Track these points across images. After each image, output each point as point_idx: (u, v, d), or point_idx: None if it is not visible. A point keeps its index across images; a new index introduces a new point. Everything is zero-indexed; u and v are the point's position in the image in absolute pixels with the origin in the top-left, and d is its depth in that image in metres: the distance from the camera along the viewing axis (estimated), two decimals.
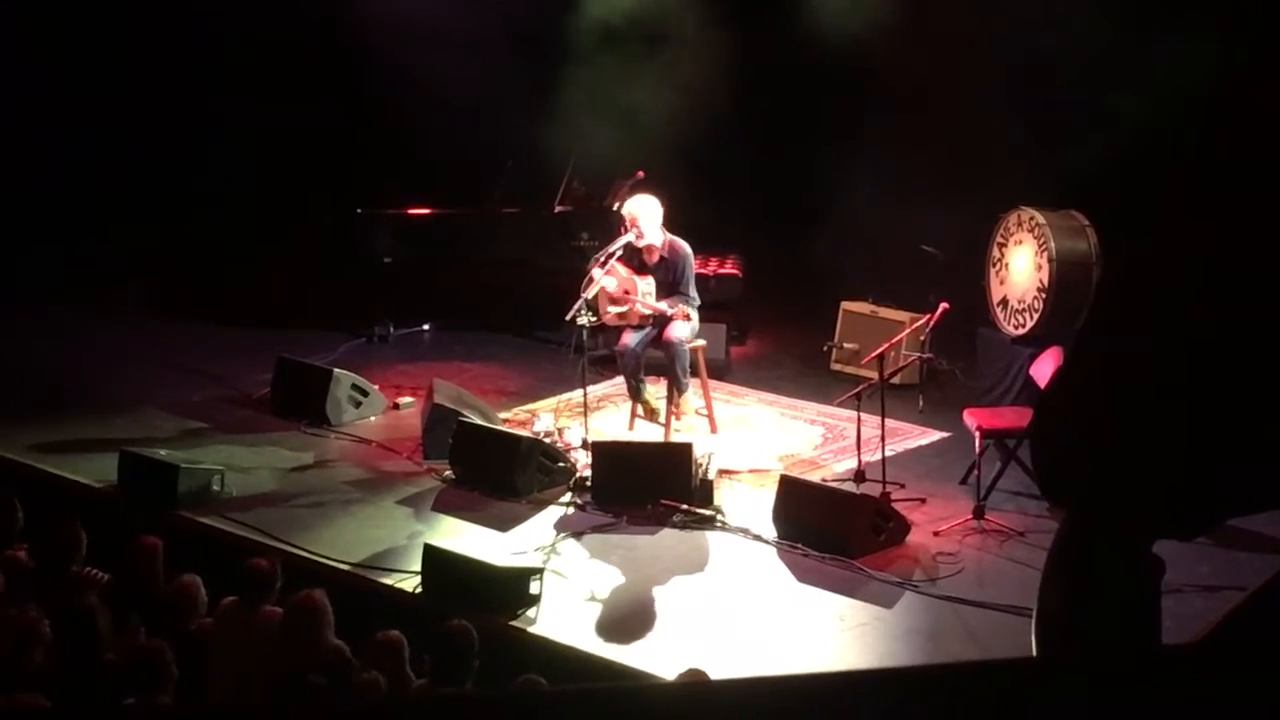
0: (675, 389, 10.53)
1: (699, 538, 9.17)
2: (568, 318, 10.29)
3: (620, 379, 10.95)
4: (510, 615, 8.11)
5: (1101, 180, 9.94)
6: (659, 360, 10.65)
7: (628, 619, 8.24)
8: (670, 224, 10.58)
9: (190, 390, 11.56)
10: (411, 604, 8.34)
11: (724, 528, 9.22)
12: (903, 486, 9.58)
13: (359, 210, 13.05)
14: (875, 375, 9.76)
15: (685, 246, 10.56)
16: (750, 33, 12.48)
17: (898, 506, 9.19)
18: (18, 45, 14.63)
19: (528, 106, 12.51)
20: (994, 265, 11.06)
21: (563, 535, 9.17)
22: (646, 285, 10.49)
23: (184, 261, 14.49)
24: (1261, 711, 2.66)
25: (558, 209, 12.87)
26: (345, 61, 13.84)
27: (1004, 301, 10.99)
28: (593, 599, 8.41)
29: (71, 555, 7.67)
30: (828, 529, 8.87)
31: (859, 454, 9.72)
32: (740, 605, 8.35)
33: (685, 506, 9.31)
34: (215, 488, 9.63)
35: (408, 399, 11.29)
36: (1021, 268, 10.77)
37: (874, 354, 9.93)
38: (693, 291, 10.61)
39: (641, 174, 12.30)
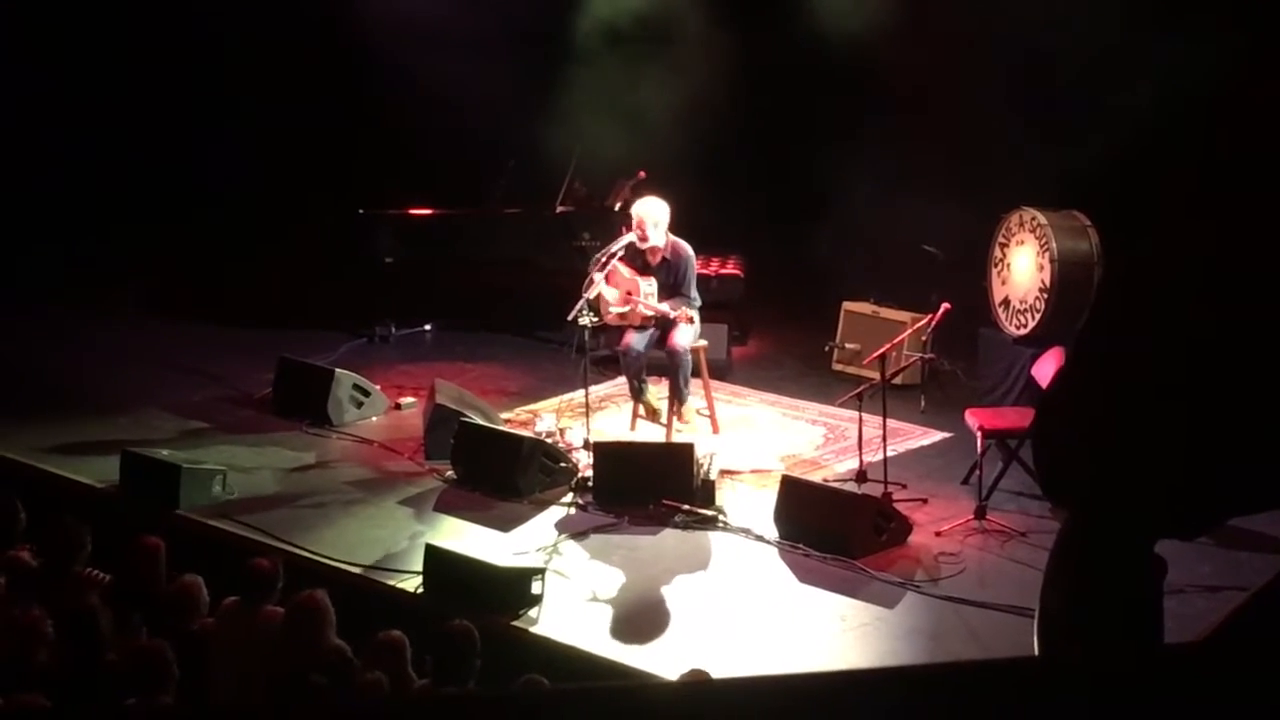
0: (676, 398, 10.54)
1: (701, 538, 9.17)
2: (569, 318, 10.29)
3: (621, 379, 10.96)
4: (512, 615, 8.11)
5: (1103, 180, 9.94)
6: (661, 361, 10.66)
7: (629, 619, 8.25)
8: (672, 224, 10.58)
9: (191, 390, 11.57)
10: (413, 604, 8.34)
11: (725, 528, 9.22)
12: (904, 487, 9.58)
13: (360, 210, 13.05)
14: (877, 375, 9.76)
15: (687, 248, 10.57)
16: (751, 32, 12.49)
17: (899, 507, 9.19)
18: (18, 45, 14.63)
19: (529, 106, 12.51)
20: (995, 265, 11.06)
21: (564, 535, 9.17)
22: (649, 286, 10.50)
23: (184, 261, 14.49)
24: (1263, 711, 2.66)
25: (559, 209, 12.86)
26: (345, 61, 13.84)
27: (1005, 302, 10.99)
28: (594, 599, 8.42)
29: (76, 556, 7.68)
30: (829, 529, 8.87)
31: (860, 454, 9.72)
32: (742, 605, 8.35)
33: (687, 507, 9.32)
34: (217, 488, 9.62)
35: (409, 399, 11.29)
36: (1023, 268, 10.77)
37: (876, 354, 9.93)
38: (694, 293, 10.62)
39: (643, 174, 12.31)
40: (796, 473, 9.78)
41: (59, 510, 8.21)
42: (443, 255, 12.91)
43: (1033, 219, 10.70)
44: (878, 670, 6.46)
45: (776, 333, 13.03)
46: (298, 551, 8.84)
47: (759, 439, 10.72)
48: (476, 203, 13.06)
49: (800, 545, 8.89)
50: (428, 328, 13.15)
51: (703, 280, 11.42)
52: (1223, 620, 2.99)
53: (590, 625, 8.13)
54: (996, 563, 8.75)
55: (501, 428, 10.30)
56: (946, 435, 10.59)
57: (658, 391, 10.79)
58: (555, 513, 9.50)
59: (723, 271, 12.85)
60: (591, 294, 10.30)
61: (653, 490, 9.39)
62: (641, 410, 10.78)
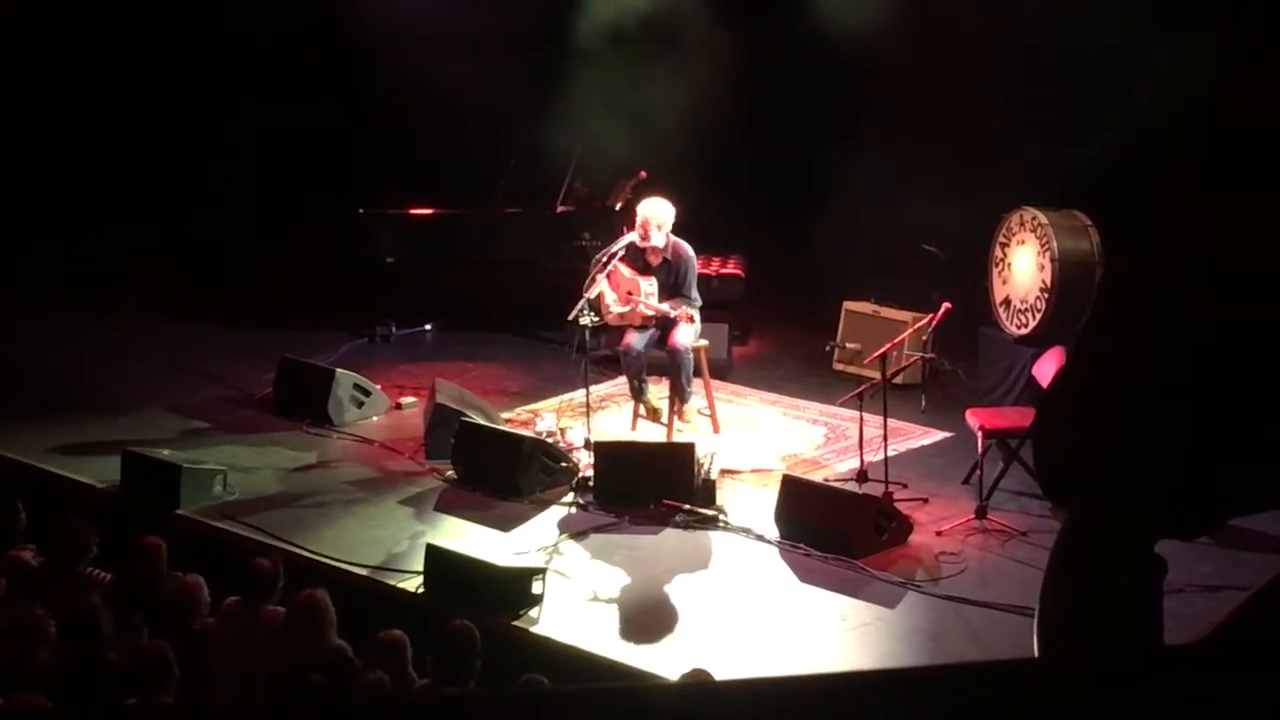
0: (678, 397, 10.54)
1: (701, 538, 9.17)
2: (570, 317, 10.30)
3: (622, 379, 10.96)
4: (513, 615, 8.11)
5: (1103, 180, 9.94)
6: (661, 360, 10.66)
7: (630, 619, 8.25)
8: (673, 224, 10.58)
9: (192, 390, 11.57)
10: (414, 604, 8.34)
11: (726, 528, 9.22)
12: (905, 486, 9.58)
13: (361, 210, 13.05)
14: (877, 375, 9.76)
15: (688, 249, 10.57)
16: (752, 32, 12.48)
17: (900, 506, 9.19)
18: (18, 45, 14.64)
19: (529, 106, 12.51)
20: (996, 265, 11.06)
21: (565, 535, 9.17)
22: (649, 286, 10.50)
23: (184, 261, 14.49)
24: (1263, 711, 2.66)
25: (560, 209, 12.87)
26: (345, 61, 13.84)
27: (1006, 301, 10.99)
28: (595, 599, 8.42)
29: (81, 557, 7.68)
30: (830, 529, 8.87)
31: (861, 454, 9.72)
32: (743, 605, 8.35)
33: (688, 506, 9.32)
34: (217, 488, 9.62)
35: (410, 399, 11.29)
36: (1024, 267, 10.77)
37: (876, 354, 9.93)
38: (695, 293, 10.63)
39: (644, 174, 12.30)
40: (797, 472, 9.77)
41: (61, 510, 8.22)
42: (443, 255, 12.91)
43: (1033, 218, 10.70)
44: (878, 671, 6.47)
45: (777, 332, 13.03)
46: (298, 551, 8.84)
47: (760, 439, 10.72)
48: (477, 203, 13.07)
49: (801, 545, 8.89)
50: (428, 327, 13.15)
51: (703, 280, 11.42)
52: (1223, 620, 2.99)
53: (591, 625, 8.13)
54: (997, 562, 8.75)
55: (502, 427, 10.30)
56: (947, 435, 10.59)
57: (658, 391, 10.80)
58: (556, 512, 9.50)
59: (723, 271, 12.85)
60: (593, 293, 10.30)
61: (653, 490, 9.39)
62: (642, 410, 10.79)
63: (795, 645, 7.90)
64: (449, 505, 9.62)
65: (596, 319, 10.43)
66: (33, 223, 14.30)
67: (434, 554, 8.52)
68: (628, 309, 10.53)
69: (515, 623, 8.09)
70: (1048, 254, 10.48)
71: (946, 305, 10.14)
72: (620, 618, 8.26)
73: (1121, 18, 10.23)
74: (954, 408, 10.55)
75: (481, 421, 10.16)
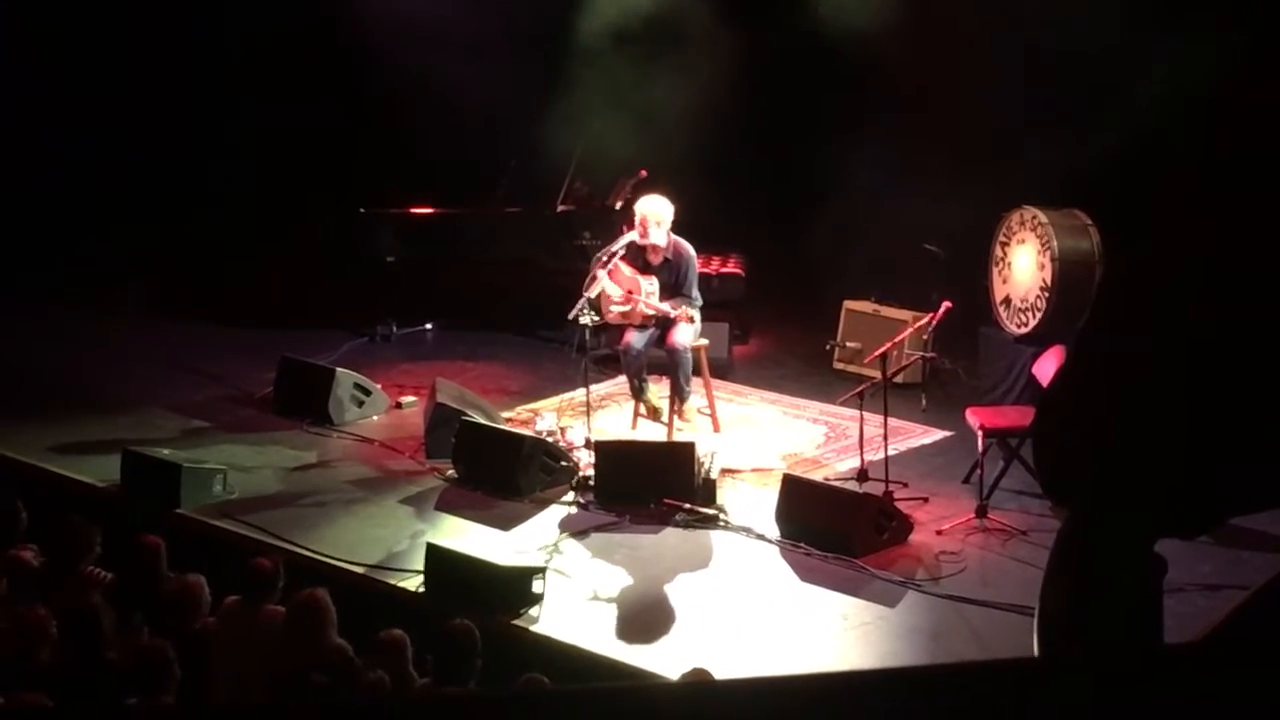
0: (678, 396, 10.55)
1: (702, 537, 9.17)
2: (570, 317, 10.30)
3: (622, 378, 10.96)
4: (513, 614, 8.11)
5: (1103, 179, 9.95)
6: (662, 360, 10.67)
7: (631, 618, 8.25)
8: (673, 223, 10.59)
9: (192, 390, 11.57)
10: (414, 603, 8.34)
11: (727, 527, 9.22)
12: (905, 485, 9.58)
13: (361, 210, 13.05)
14: (878, 374, 9.76)
15: (689, 248, 10.58)
16: (753, 31, 12.48)
17: (900, 505, 9.19)
18: (18, 45, 14.64)
19: (530, 106, 12.51)
20: (996, 264, 11.06)
21: (565, 534, 9.17)
22: (650, 285, 10.50)
23: (184, 261, 14.49)
24: (1263, 710, 2.66)
25: (560, 208, 12.86)
26: (345, 61, 13.84)
27: (1007, 300, 10.99)
28: (596, 598, 8.42)
29: (84, 557, 7.68)
30: (830, 528, 8.87)
31: (862, 453, 9.72)
32: (743, 604, 8.35)
33: (688, 506, 9.32)
34: (218, 487, 9.63)
35: (410, 398, 11.30)
36: (1024, 267, 10.78)
37: (877, 353, 9.93)
38: (695, 293, 10.63)
39: (644, 173, 12.30)
40: (798, 471, 9.77)
41: (62, 510, 8.22)
42: (444, 254, 12.90)
43: (1034, 218, 10.70)
44: (879, 670, 6.47)
45: (777, 331, 13.03)
46: (299, 551, 8.84)
47: (760, 438, 10.72)
48: (478, 202, 13.06)
49: (801, 544, 8.89)
50: (429, 327, 13.15)
51: (704, 279, 11.42)
52: (1223, 620, 2.99)
53: (591, 624, 8.13)
54: (998, 561, 8.74)
55: (502, 427, 10.30)
56: (948, 434, 10.59)
57: (659, 390, 10.80)
58: (556, 512, 9.50)
59: (724, 270, 12.85)
60: (593, 292, 10.31)
61: (654, 489, 9.39)
62: (642, 409, 10.79)
63: (796, 645, 7.90)
64: (449, 504, 9.62)
65: (597, 318, 10.43)
66: (33, 223, 14.30)
67: (434, 553, 8.52)
68: (628, 308, 10.53)
69: (516, 622, 8.09)
70: (1048, 253, 10.48)
71: (947, 304, 10.14)
72: (621, 617, 8.26)
73: (1121, 18, 10.23)
74: (954, 407, 10.55)
75: (482, 421, 10.16)
